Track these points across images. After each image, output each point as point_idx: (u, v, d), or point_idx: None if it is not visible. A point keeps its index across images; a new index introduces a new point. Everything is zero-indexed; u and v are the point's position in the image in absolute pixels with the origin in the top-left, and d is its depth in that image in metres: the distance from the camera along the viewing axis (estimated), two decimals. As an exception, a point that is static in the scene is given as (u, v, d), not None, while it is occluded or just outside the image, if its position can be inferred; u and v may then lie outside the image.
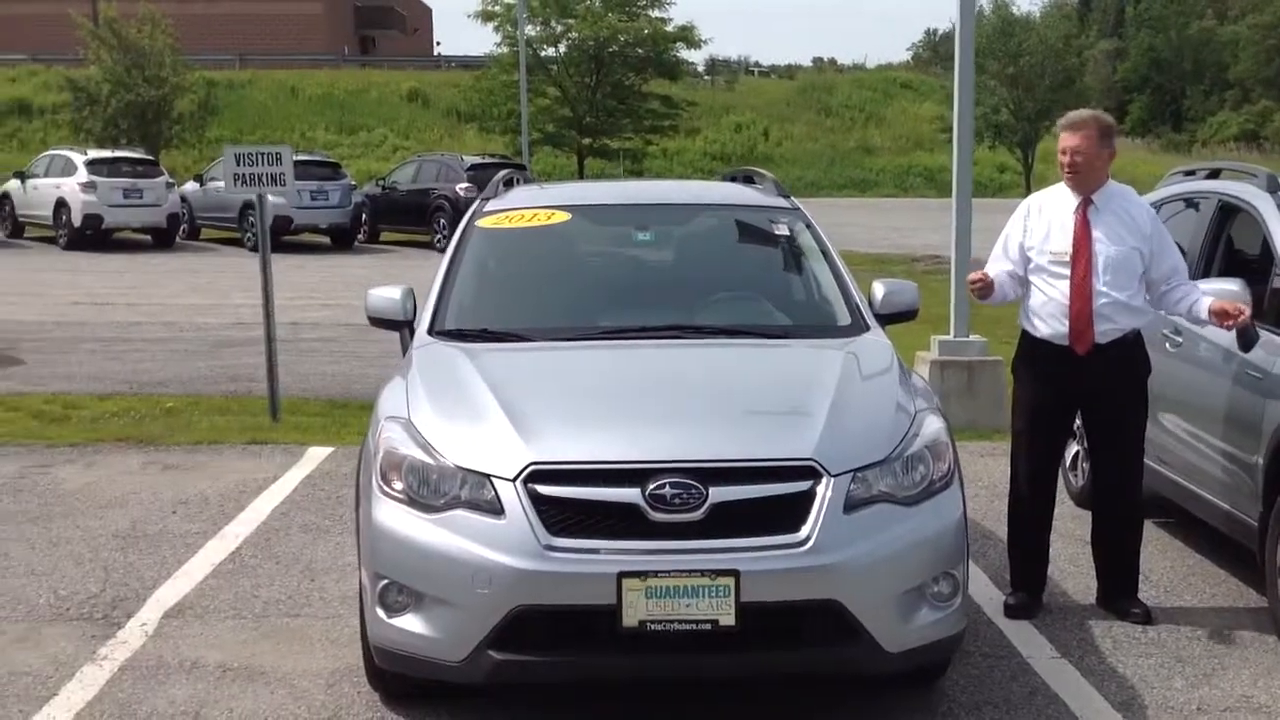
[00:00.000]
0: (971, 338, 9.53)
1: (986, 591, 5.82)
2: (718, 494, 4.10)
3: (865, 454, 4.29)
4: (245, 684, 4.99)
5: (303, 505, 7.56)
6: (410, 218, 26.43)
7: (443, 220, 25.39)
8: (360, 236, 27.01)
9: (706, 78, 57.98)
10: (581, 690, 4.59)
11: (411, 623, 4.26)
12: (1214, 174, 7.08)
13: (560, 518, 4.12)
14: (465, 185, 25.10)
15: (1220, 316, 5.30)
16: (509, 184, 6.72)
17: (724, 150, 49.13)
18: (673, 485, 4.10)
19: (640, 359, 5.10)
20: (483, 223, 6.01)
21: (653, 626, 4.04)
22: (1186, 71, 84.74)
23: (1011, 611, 5.59)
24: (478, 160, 27.14)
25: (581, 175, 41.44)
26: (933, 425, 4.56)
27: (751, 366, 5.11)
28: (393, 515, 4.32)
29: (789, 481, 4.17)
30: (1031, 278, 5.62)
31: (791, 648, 4.16)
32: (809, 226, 6.05)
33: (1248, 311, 5.27)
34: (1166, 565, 6.24)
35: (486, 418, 4.45)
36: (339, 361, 12.85)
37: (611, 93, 42.87)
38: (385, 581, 4.32)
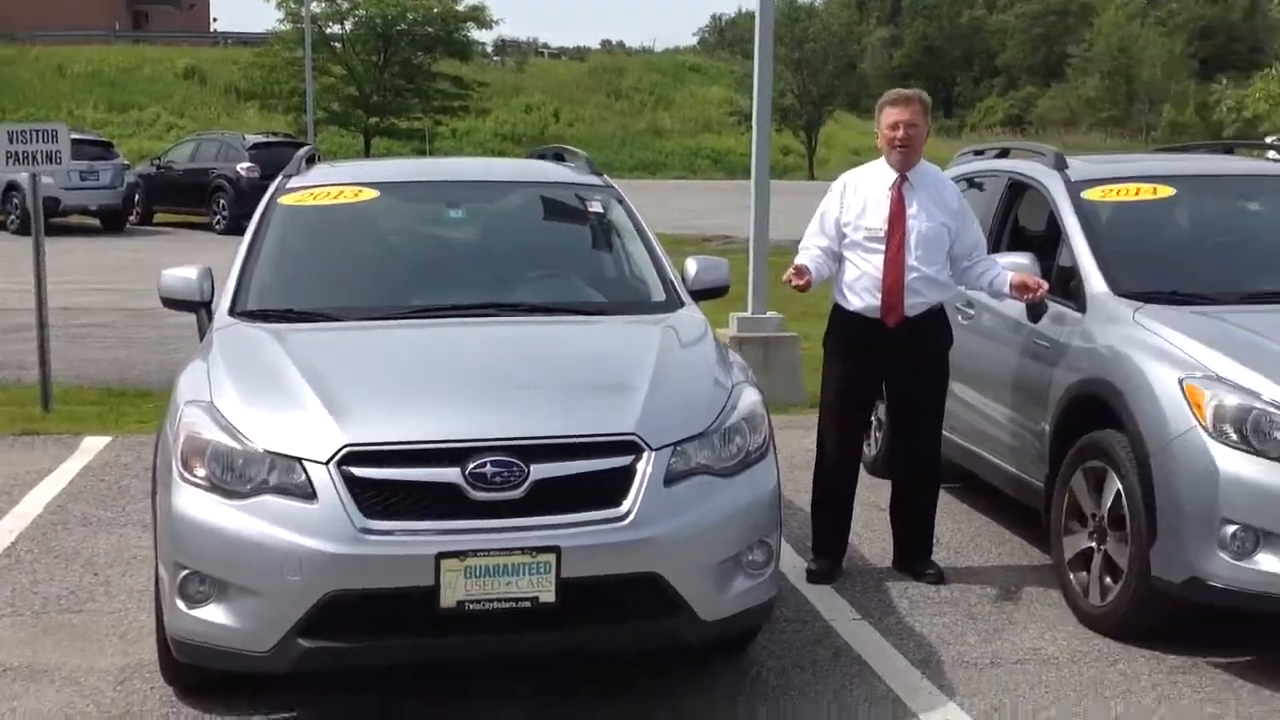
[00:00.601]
0: (769, 314, 9.68)
1: (789, 559, 5.90)
2: (539, 471, 4.06)
3: (685, 427, 4.29)
4: (27, 683, 4.73)
5: (81, 498, 7.21)
6: (187, 198, 25.52)
7: (222, 201, 24.62)
8: (132, 218, 25.88)
9: (496, 58, 57.63)
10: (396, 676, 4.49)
11: (214, 614, 4.08)
12: (1004, 153, 7.34)
13: (377, 500, 4.01)
14: (247, 165, 24.38)
15: (1021, 290, 5.49)
16: (311, 160, 6.51)
17: (515, 131, 48.93)
18: (493, 463, 4.04)
19: (455, 337, 5.00)
20: (286, 200, 5.79)
21: (471, 606, 3.97)
22: (958, 59, 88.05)
23: (814, 577, 5.70)
24: (260, 139, 26.36)
25: (368, 156, 40.70)
26: (749, 398, 4.60)
27: (570, 343, 5.06)
28: (194, 503, 4.13)
29: (611, 457, 4.15)
30: (846, 253, 5.72)
31: (612, 622, 4.15)
32: (622, 203, 6.03)
33: (1045, 285, 5.45)
34: (955, 528, 6.45)
35: (296, 400, 4.30)
36: (113, 348, 12.33)
37: (400, 72, 42.26)
38: (186, 572, 4.12)
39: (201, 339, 5.37)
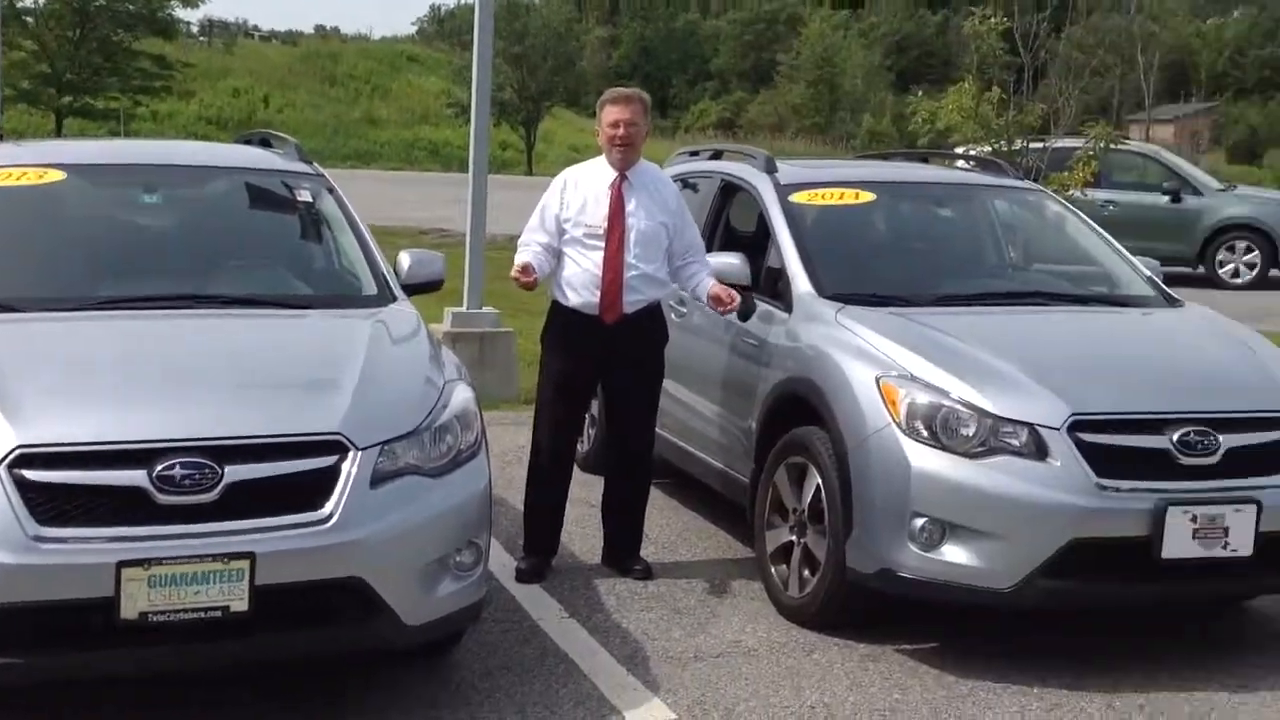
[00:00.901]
0: (484, 309, 9.61)
1: (498, 557, 5.86)
2: (234, 473, 3.88)
3: (393, 426, 4.19)
4: None
5: None
6: None
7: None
8: None
9: (202, 39, 55.50)
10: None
11: None
12: (717, 155, 7.50)
13: (52, 506, 3.76)
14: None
15: (715, 302, 5.58)
16: None
17: (221, 115, 47.16)
18: (183, 465, 3.83)
19: (148, 331, 4.73)
20: None
21: (155, 617, 3.76)
22: (674, 61, 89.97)
23: (523, 576, 5.68)
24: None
25: (59, 135, 38.51)
26: (461, 395, 4.53)
27: (273, 338, 4.86)
28: None
29: (314, 457, 4.01)
30: (565, 249, 5.71)
31: (310, 628, 4.01)
32: (332, 193, 5.84)
33: (738, 300, 5.55)
34: (664, 523, 6.54)
35: None
36: None
37: (98, 49, 40.12)
38: None
39: None
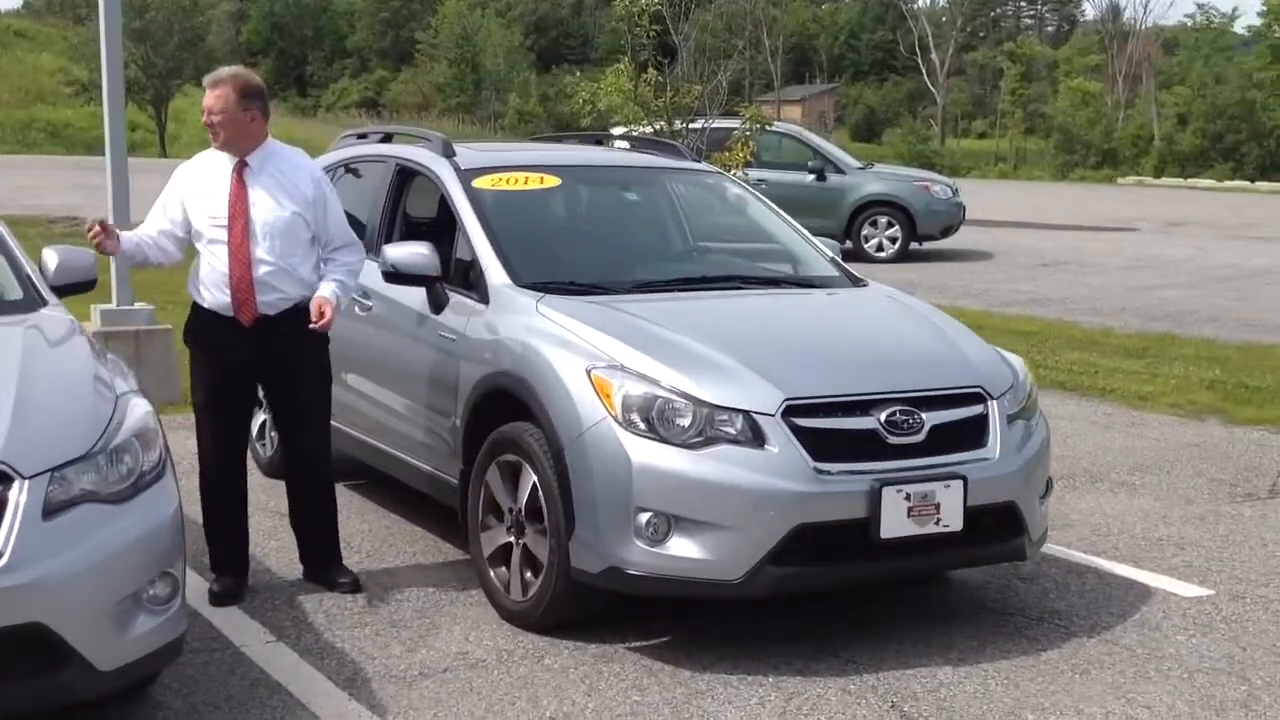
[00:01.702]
0: (137, 305, 8.94)
1: (189, 581, 5.41)
2: None
3: (64, 450, 3.74)
4: None
5: None
6: None
7: None
8: None
9: None
10: None
11: None
12: (388, 138, 7.17)
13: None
14: None
15: (317, 313, 5.15)
16: None
17: None
18: None
19: None
20: None
21: None
22: (308, 37, 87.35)
23: (217, 599, 5.25)
24: None
25: None
26: (139, 409, 4.10)
27: None
28: None
29: None
30: (196, 245, 5.31)
31: (-14, 685, 3.52)
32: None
33: (328, 319, 5.15)
34: (365, 528, 6.23)
35: None
36: None
37: None
38: None
39: None
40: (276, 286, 5.22)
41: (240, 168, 5.23)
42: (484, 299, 5.55)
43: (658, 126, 12.98)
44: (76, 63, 47.03)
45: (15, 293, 4.81)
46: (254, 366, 5.33)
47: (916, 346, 5.46)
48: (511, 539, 5.14)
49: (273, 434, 6.81)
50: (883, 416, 4.80)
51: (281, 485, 5.89)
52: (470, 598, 5.35)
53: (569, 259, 6.00)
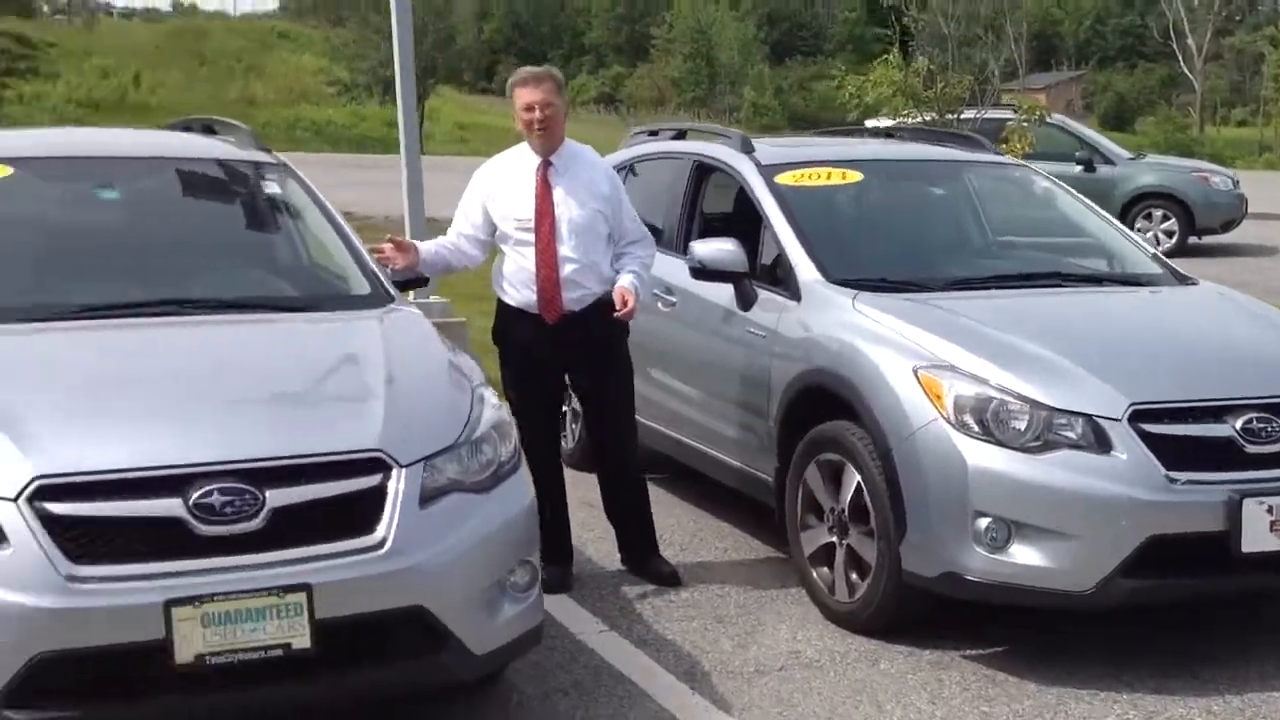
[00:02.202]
0: (432, 299, 9.23)
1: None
2: (275, 497, 3.53)
3: (434, 439, 3.86)
4: None
5: None
6: None
7: None
8: None
9: (60, 16, 53.54)
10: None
11: None
12: (681, 134, 7.21)
13: (83, 542, 3.38)
14: None
15: (619, 301, 5.22)
16: None
17: (91, 97, 45.43)
18: (221, 491, 3.48)
19: (145, 342, 4.32)
20: None
21: (213, 660, 3.41)
22: (546, 35, 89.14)
23: (546, 587, 5.30)
24: None
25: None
26: (493, 403, 4.22)
27: (280, 346, 4.48)
28: None
29: (356, 477, 3.67)
30: (501, 245, 5.42)
31: (376, 664, 3.67)
32: (302, 184, 5.44)
33: (632, 306, 5.20)
34: (673, 523, 6.28)
35: None
36: None
37: (-44, 29, 38.46)
38: None
39: None
40: (581, 283, 5.29)
41: (545, 167, 5.30)
42: (795, 295, 5.51)
43: (927, 118, 12.74)
44: (337, 63, 48.88)
45: (363, 287, 4.98)
46: (559, 361, 5.42)
47: (1268, 348, 5.19)
48: (834, 539, 5.10)
49: (573, 426, 6.94)
50: (1239, 423, 4.58)
51: (586, 477, 6.00)
52: (790, 595, 5.33)
53: (878, 255, 5.90)
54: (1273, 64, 57.19)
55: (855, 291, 5.33)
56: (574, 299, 5.28)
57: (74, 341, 4.27)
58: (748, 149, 6.23)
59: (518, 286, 5.33)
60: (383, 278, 5.05)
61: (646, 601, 5.29)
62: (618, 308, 5.21)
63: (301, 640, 3.48)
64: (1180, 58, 64.09)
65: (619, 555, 5.69)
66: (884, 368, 4.90)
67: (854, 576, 4.98)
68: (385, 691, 3.83)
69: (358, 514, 3.63)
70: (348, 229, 5.29)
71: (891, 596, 4.80)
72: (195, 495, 3.45)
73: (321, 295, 5.00)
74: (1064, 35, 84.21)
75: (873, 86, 13.40)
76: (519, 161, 5.36)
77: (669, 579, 5.47)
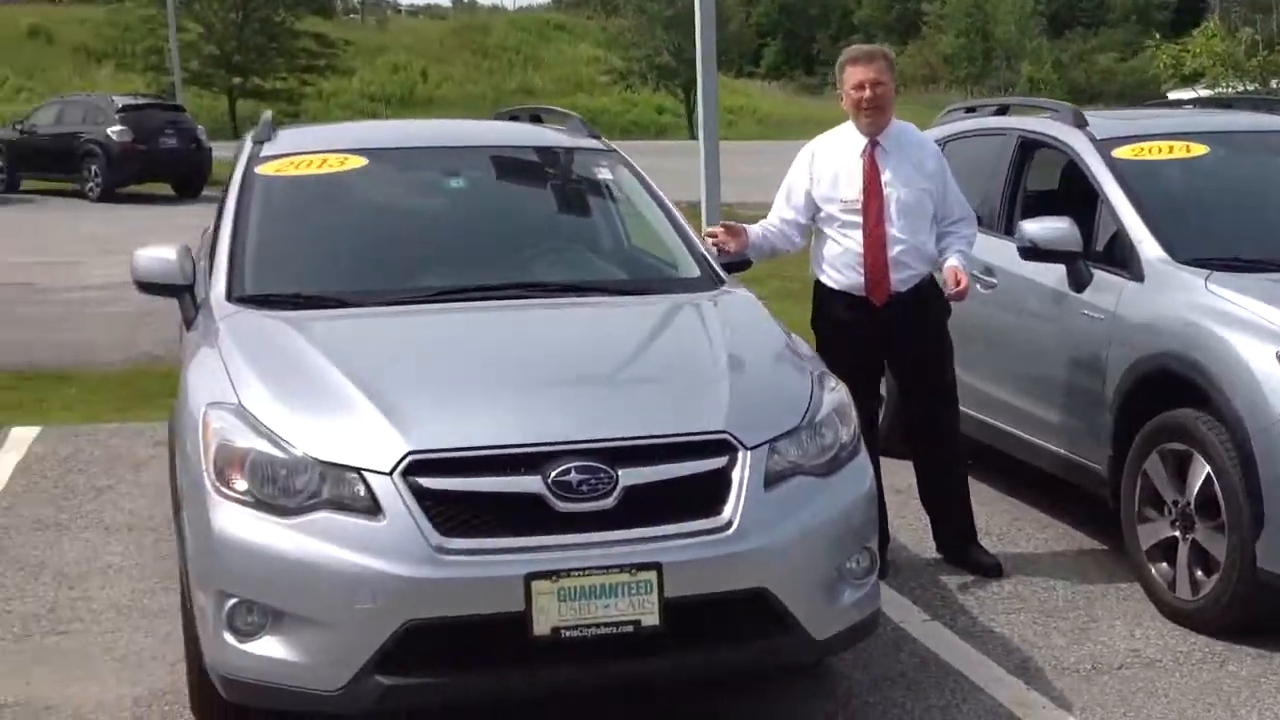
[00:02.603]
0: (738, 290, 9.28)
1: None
2: (628, 476, 3.60)
3: (777, 422, 3.87)
4: (33, 726, 4.18)
5: (27, 498, 6.56)
6: (57, 164, 23.92)
7: (94, 167, 23.28)
8: (-2, 186, 24.34)
9: (354, 15, 56.18)
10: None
11: (272, 648, 3.56)
12: (1002, 110, 7.01)
13: (450, 515, 3.53)
14: (118, 129, 23.09)
15: (951, 280, 5.12)
16: (277, 124, 5.90)
17: (383, 92, 47.63)
18: (578, 469, 3.58)
19: (494, 323, 4.51)
20: (265, 169, 5.16)
21: (567, 634, 3.52)
22: (814, 17, 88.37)
23: (865, 573, 5.34)
24: (129, 101, 24.99)
25: (234, 118, 39.24)
26: (833, 385, 4.20)
27: (623, 328, 4.60)
28: (237, 521, 3.60)
29: (703, 458, 3.71)
30: (823, 228, 5.35)
31: (719, 644, 3.71)
32: (630, 168, 5.55)
33: (965, 282, 5.08)
34: (986, 511, 6.10)
35: (342, 400, 3.80)
36: (13, 327, 11.45)
37: (261, 29, 40.83)
38: (233, 601, 3.59)
39: (189, 327, 4.81)
40: (908, 264, 5.21)
41: (872, 148, 5.23)
42: (1136, 276, 5.29)
43: (1251, 87, 12.07)
44: (613, 52, 49.68)
45: (693, 270, 5.03)
46: (885, 345, 5.35)
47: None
48: (1176, 533, 4.88)
49: (883, 410, 6.85)
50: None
51: (893, 463, 5.92)
52: (1120, 590, 5.15)
53: (1228, 233, 5.59)
54: None
55: (1207, 271, 5.07)
56: (901, 280, 5.21)
57: (432, 324, 4.48)
58: (1081, 123, 5.99)
59: (842, 269, 5.28)
60: (712, 261, 5.10)
61: (969, 592, 5.19)
62: (950, 288, 5.12)
63: (650, 618, 3.54)
64: None
65: (933, 543, 5.60)
66: (1243, 353, 4.65)
67: (1199, 573, 4.76)
68: (725, 672, 3.89)
69: (704, 495, 3.67)
70: (677, 213, 5.35)
71: (1242, 595, 4.56)
72: (554, 473, 3.56)
73: (655, 279, 5.10)
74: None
75: (1192, 57, 12.75)
76: (845, 142, 5.32)
77: (991, 570, 5.36)
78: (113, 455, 7.32)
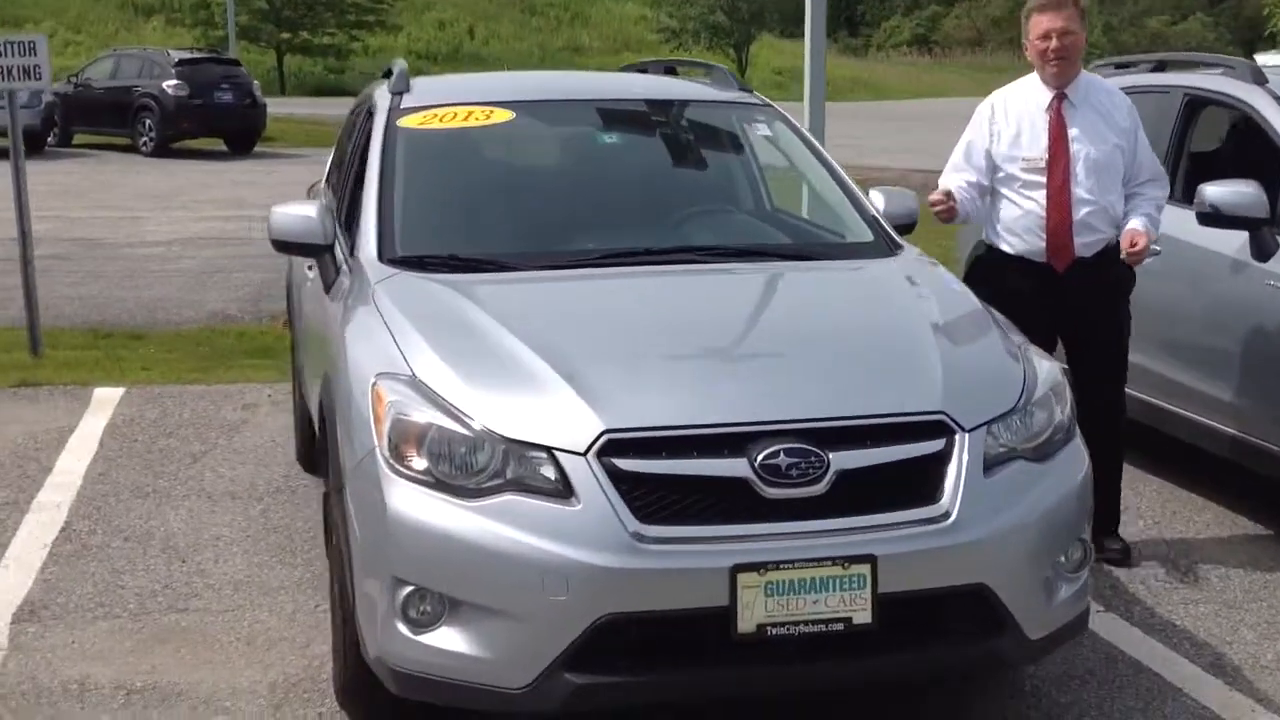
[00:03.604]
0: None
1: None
2: (839, 460, 3.27)
3: (994, 403, 3.52)
4: (164, 711, 3.91)
5: (120, 462, 6.31)
6: (110, 119, 23.74)
7: (148, 121, 23.10)
8: (51, 139, 24.00)
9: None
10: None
11: (451, 640, 3.26)
12: (1160, 66, 6.58)
13: (649, 500, 3.22)
14: (174, 83, 22.87)
15: (1128, 242, 4.76)
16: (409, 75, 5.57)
17: (429, 49, 47.18)
18: (787, 452, 3.25)
19: (675, 290, 4.16)
20: (406, 122, 4.79)
21: (774, 631, 3.21)
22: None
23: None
24: (186, 55, 24.78)
25: (281, 74, 38.99)
26: (1046, 364, 3.85)
27: (812, 297, 4.26)
28: (415, 501, 3.29)
29: (918, 441, 3.37)
30: (1001, 188, 4.98)
31: (933, 645, 3.39)
32: (790, 125, 5.18)
33: (1142, 245, 4.71)
34: (1133, 492, 5.76)
35: (524, 371, 3.47)
36: (82, 283, 11.25)
37: (309, -16, 40.56)
38: (409, 589, 3.29)
39: (328, 289, 4.51)
40: (1096, 226, 4.86)
41: (1059, 101, 4.88)
42: None
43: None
44: (661, 10, 49.11)
45: (866, 234, 4.67)
46: (1060, 316, 4.98)
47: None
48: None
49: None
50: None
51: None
52: (1302, 581, 4.83)
53: None
54: None
55: None
56: (1086, 244, 4.86)
57: (605, 289, 4.16)
58: (1260, 79, 5.58)
59: (1020, 234, 4.93)
60: (885, 225, 4.72)
61: (1139, 582, 4.85)
62: (1125, 248, 4.76)
63: (863, 615, 3.23)
64: None
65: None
66: None
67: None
68: (935, 675, 3.61)
69: (920, 481, 3.35)
70: (842, 172, 5.00)
71: None
72: (761, 455, 3.24)
73: (827, 243, 4.76)
74: None
75: None
76: (1028, 95, 4.95)
77: (1118, 556, 4.98)
78: (201, 419, 7.07)
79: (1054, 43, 4.81)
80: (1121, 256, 4.82)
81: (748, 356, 3.69)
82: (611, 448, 3.23)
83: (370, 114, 5.10)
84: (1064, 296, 4.92)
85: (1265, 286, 5.13)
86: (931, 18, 79.76)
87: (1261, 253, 5.13)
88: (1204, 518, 5.54)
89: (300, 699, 4.00)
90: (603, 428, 3.25)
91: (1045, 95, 4.90)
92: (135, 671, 4.16)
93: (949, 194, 4.95)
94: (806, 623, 3.22)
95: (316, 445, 4.73)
